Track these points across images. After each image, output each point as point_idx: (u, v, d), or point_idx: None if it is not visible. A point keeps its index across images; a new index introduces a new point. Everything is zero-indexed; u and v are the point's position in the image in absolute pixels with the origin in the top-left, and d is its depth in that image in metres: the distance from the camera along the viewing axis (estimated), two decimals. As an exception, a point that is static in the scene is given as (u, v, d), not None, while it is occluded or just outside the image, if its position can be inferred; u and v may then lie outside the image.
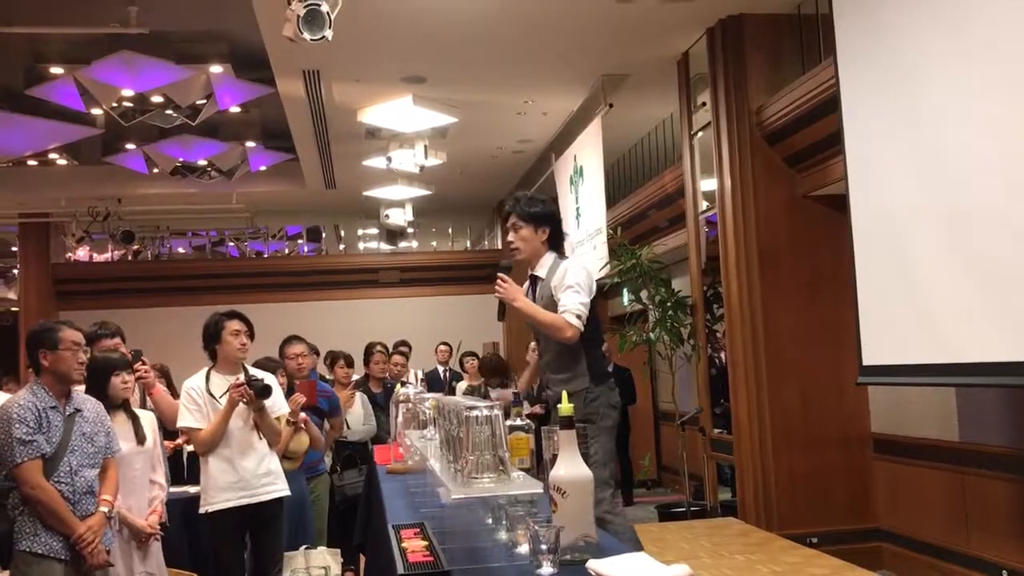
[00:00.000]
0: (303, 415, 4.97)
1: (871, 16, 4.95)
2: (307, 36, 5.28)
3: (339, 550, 4.88)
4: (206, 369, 4.46)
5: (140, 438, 4.05)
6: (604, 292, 11.05)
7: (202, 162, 11.46)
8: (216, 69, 8.89)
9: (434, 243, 16.51)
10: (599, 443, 3.64)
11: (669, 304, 7.73)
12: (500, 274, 3.68)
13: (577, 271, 3.64)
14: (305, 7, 5.23)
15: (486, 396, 7.77)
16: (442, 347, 10.20)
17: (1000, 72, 3.97)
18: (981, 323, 4.15)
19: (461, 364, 9.37)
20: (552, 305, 3.63)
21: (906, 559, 6.00)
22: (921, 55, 4.51)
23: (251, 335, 4.44)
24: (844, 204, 5.39)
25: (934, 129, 4.44)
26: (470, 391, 7.63)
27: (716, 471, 7.54)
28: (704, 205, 7.39)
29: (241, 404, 4.25)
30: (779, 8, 6.70)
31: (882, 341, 5.09)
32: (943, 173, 4.39)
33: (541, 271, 3.76)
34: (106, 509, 3.62)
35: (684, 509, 7.58)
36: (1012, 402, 4.98)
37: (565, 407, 2.06)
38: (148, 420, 4.20)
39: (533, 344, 9.09)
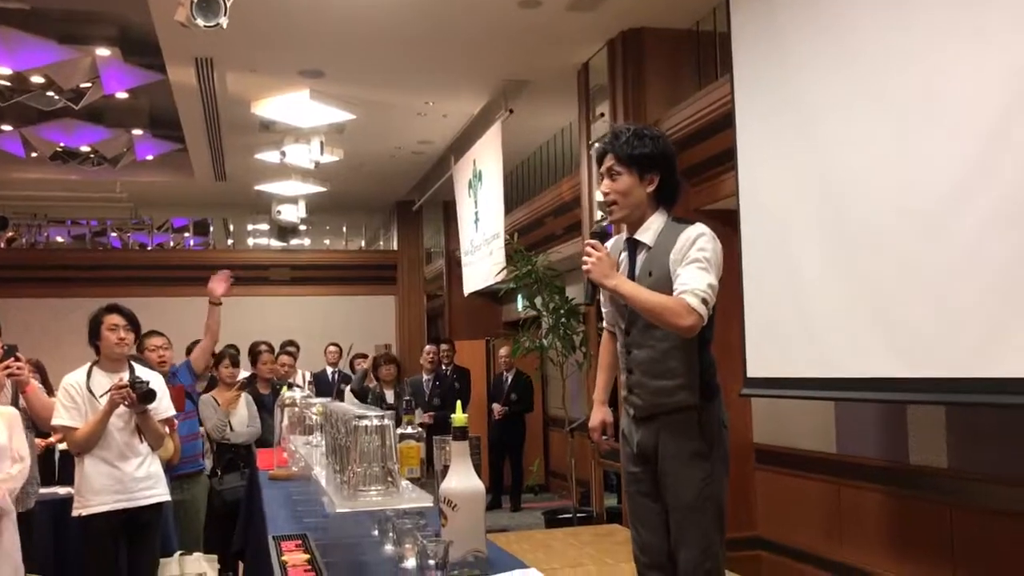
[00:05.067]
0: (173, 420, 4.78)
1: (768, 38, 5.07)
2: (200, 22, 5.10)
3: (216, 556, 4.72)
4: (89, 364, 4.22)
5: None
6: (499, 297, 11.06)
7: (85, 148, 10.97)
8: (103, 52, 8.50)
9: (327, 241, 16.23)
10: (719, 482, 2.89)
11: (562, 311, 7.77)
12: (590, 242, 2.76)
13: (708, 242, 2.72)
14: (200, -8, 5.05)
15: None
16: (331, 348, 10.04)
17: (884, 102, 4.11)
18: (862, 340, 4.29)
19: (351, 366, 9.22)
20: (665, 283, 2.71)
21: (783, 567, 6.16)
22: (814, 80, 4.63)
23: (134, 330, 4.23)
24: (735, 219, 5.50)
25: (823, 150, 4.57)
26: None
27: (603, 478, 7.60)
28: (599, 215, 7.46)
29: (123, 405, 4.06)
30: (678, 23, 6.81)
31: (766, 354, 5.21)
32: (830, 194, 4.52)
33: (646, 236, 2.83)
34: None
35: (571, 515, 7.63)
36: (886, 416, 5.16)
37: (459, 418, 2.00)
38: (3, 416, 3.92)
39: (429, 347, 9.05)
